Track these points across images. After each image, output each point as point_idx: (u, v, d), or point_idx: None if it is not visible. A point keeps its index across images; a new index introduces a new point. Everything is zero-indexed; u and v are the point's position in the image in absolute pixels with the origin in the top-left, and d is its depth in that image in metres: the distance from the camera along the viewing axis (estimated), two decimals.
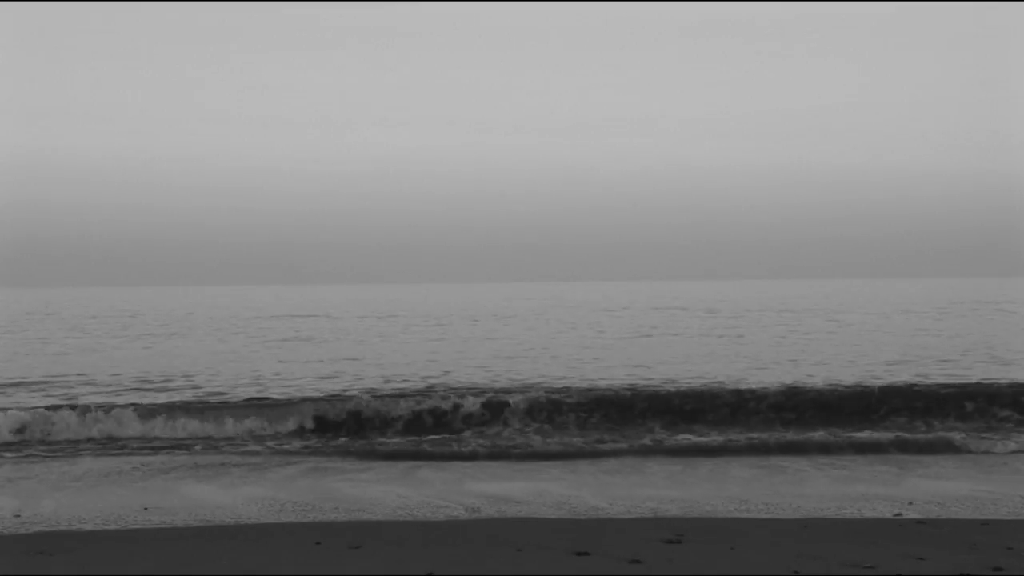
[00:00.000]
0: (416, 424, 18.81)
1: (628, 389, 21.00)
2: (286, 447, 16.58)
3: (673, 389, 21.02)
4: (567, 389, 20.96)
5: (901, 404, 19.79)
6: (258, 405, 19.62)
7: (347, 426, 18.67)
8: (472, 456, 15.71)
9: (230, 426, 18.42)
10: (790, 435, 17.03)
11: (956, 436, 16.69)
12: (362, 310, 70.64)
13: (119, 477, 13.93)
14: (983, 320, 47.12)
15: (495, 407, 19.39)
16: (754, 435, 17.10)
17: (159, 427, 18.31)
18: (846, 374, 23.46)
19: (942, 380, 22.00)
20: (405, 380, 23.32)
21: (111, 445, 16.93)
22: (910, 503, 11.71)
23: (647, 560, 8.27)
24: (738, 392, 20.37)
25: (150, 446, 16.85)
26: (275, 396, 20.69)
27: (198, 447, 16.66)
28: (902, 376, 22.89)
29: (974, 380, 21.79)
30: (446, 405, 19.51)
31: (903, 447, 16.00)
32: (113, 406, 19.08)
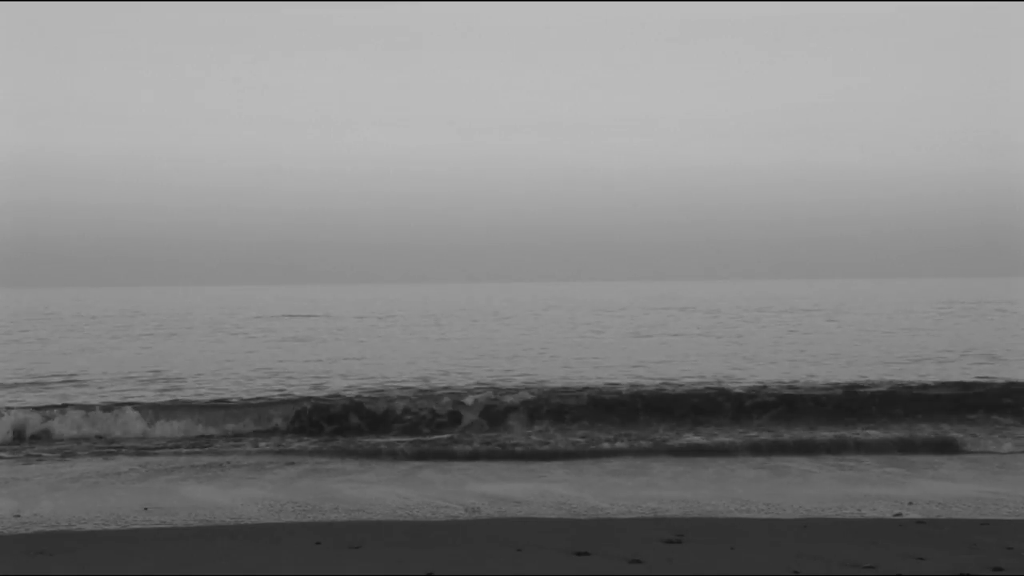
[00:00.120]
0: (417, 424, 18.80)
1: (630, 389, 21.00)
2: (286, 447, 16.56)
3: (674, 389, 21.03)
4: (568, 389, 20.97)
5: (903, 403, 19.82)
6: (256, 405, 19.62)
7: (347, 426, 18.66)
8: (473, 456, 15.70)
9: (228, 426, 18.43)
10: (794, 435, 16.98)
11: (959, 435, 16.63)
12: (361, 310, 70.65)
13: (118, 477, 13.92)
14: (983, 320, 47.12)
15: (495, 407, 19.39)
16: (755, 434, 17.07)
17: (158, 427, 18.31)
18: (847, 374, 23.44)
19: (942, 380, 22.00)
20: (404, 380, 23.31)
21: (109, 445, 16.91)
22: (910, 503, 11.71)
23: (647, 560, 8.27)
24: (740, 392, 20.39)
25: (150, 446, 16.84)
26: (274, 396, 20.68)
27: (197, 447, 16.65)
28: (902, 376, 22.88)
29: (972, 379, 21.81)
30: (446, 405, 19.51)
31: (906, 447, 15.97)
32: (112, 406, 19.10)
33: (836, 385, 21.22)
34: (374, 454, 15.84)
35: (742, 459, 15.14)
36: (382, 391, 21.30)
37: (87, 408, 18.85)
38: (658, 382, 22.19)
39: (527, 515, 11.18)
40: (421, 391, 21.03)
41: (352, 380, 23.68)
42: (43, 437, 17.67)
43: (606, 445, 16.29)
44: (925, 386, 20.92)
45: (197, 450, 16.32)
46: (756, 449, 15.89)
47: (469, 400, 19.71)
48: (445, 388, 21.54)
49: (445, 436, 17.54)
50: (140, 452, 16.16)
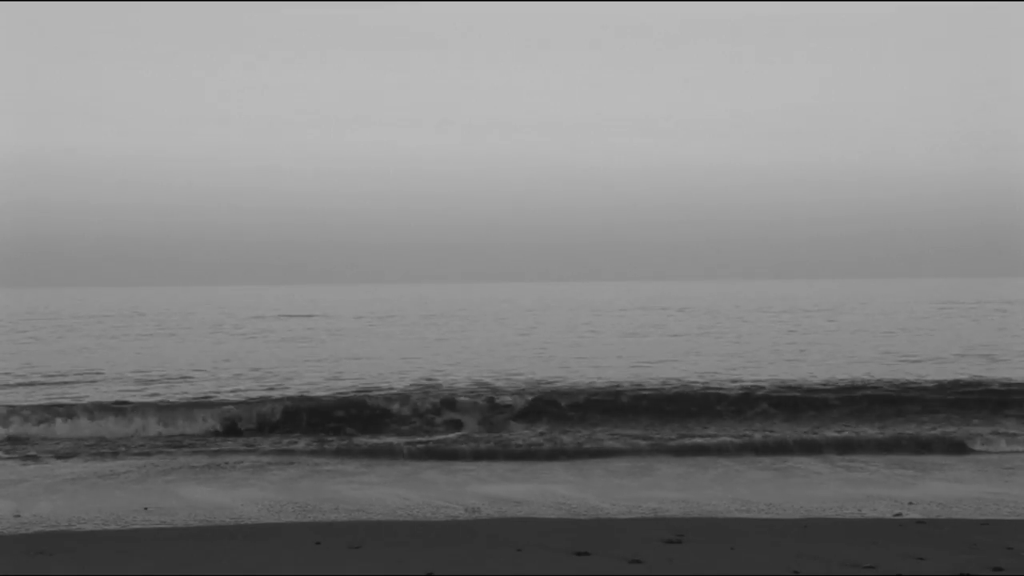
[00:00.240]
0: (417, 424, 18.79)
1: (632, 388, 21.01)
2: (285, 448, 16.54)
3: (676, 389, 21.04)
4: (569, 389, 20.98)
5: (907, 402, 19.85)
6: (248, 403, 19.59)
7: (346, 426, 18.64)
8: (475, 456, 15.68)
9: (211, 424, 18.42)
10: (798, 434, 16.91)
11: (965, 435, 16.57)
12: (361, 310, 70.65)
13: (118, 477, 13.92)
14: (984, 320, 47.12)
15: (496, 407, 19.39)
16: (759, 434, 17.05)
17: (151, 427, 18.31)
18: (849, 373, 23.43)
19: (946, 379, 22.02)
20: (404, 380, 23.29)
21: (106, 445, 16.87)
22: (910, 503, 11.71)
23: (647, 560, 8.27)
24: (744, 392, 20.42)
25: (152, 445, 16.82)
26: (272, 396, 20.67)
27: (196, 446, 16.64)
28: (905, 375, 22.88)
29: (975, 379, 21.82)
30: (447, 405, 19.51)
31: (912, 447, 15.93)
32: (110, 406, 19.10)
33: (840, 384, 21.25)
34: (375, 454, 15.83)
35: (748, 459, 15.10)
36: (380, 391, 21.29)
37: (85, 408, 18.84)
38: (659, 382, 22.18)
39: (527, 515, 11.18)
40: (422, 391, 21.02)
41: (352, 380, 23.66)
42: (39, 437, 17.65)
43: (608, 445, 16.27)
44: (929, 386, 20.94)
45: (194, 450, 16.31)
46: (760, 449, 15.85)
47: (469, 400, 19.71)
48: (445, 388, 21.53)
49: (445, 436, 17.52)
50: (139, 453, 16.15)
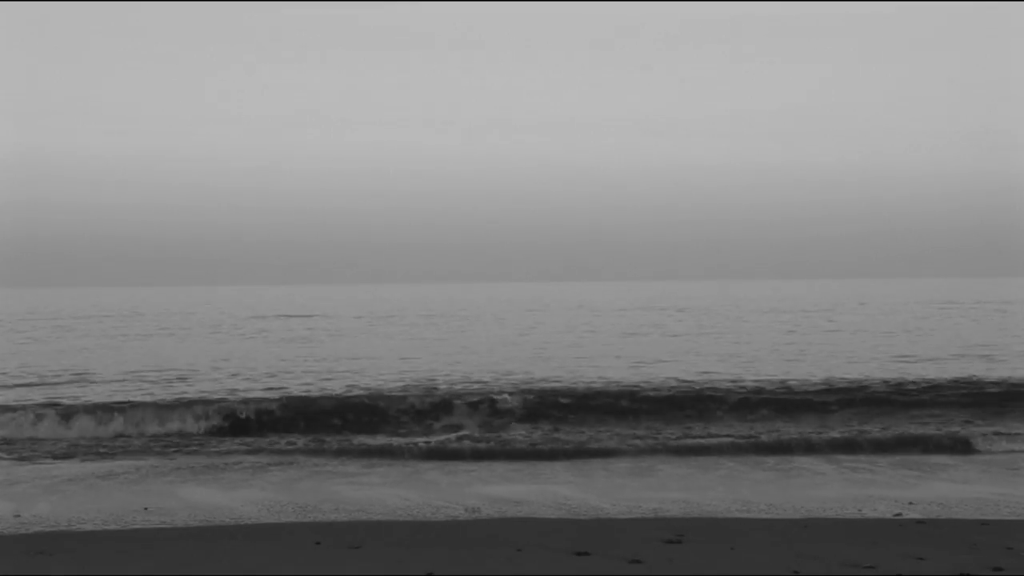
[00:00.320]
0: (418, 424, 18.79)
1: (635, 388, 21.03)
2: (285, 448, 16.53)
3: (680, 388, 21.06)
4: (570, 388, 21.01)
5: (909, 402, 19.89)
6: (246, 403, 19.59)
7: (346, 426, 18.64)
8: (476, 456, 15.66)
9: (204, 423, 18.43)
10: (803, 434, 16.87)
11: (969, 435, 16.53)
12: (361, 310, 70.65)
13: (117, 478, 13.91)
14: (985, 320, 47.12)
15: (497, 407, 19.40)
16: (763, 434, 17.05)
17: (150, 427, 18.32)
18: (848, 373, 23.44)
19: (950, 378, 22.07)
20: (404, 380, 23.31)
21: (105, 445, 16.87)
22: (910, 503, 11.71)
23: (647, 560, 8.27)
24: (749, 391, 20.48)
25: (151, 445, 16.81)
26: (272, 396, 20.67)
27: (195, 446, 16.63)
28: (907, 375, 22.89)
29: (977, 378, 21.85)
30: (447, 405, 19.53)
31: (916, 446, 15.89)
32: (109, 405, 19.10)
33: (841, 384, 21.29)
34: (375, 455, 15.82)
35: (749, 459, 15.06)
36: (380, 392, 21.31)
37: (85, 409, 18.85)
38: (659, 381, 22.18)
39: (527, 515, 11.18)
40: (422, 392, 21.03)
41: (352, 381, 23.67)
42: (37, 437, 17.66)
43: (609, 445, 16.26)
44: (931, 386, 20.98)
45: (195, 450, 16.31)
46: (761, 449, 15.81)
47: (469, 400, 19.72)
48: (445, 389, 21.54)
49: (446, 437, 17.52)
50: (139, 453, 16.15)
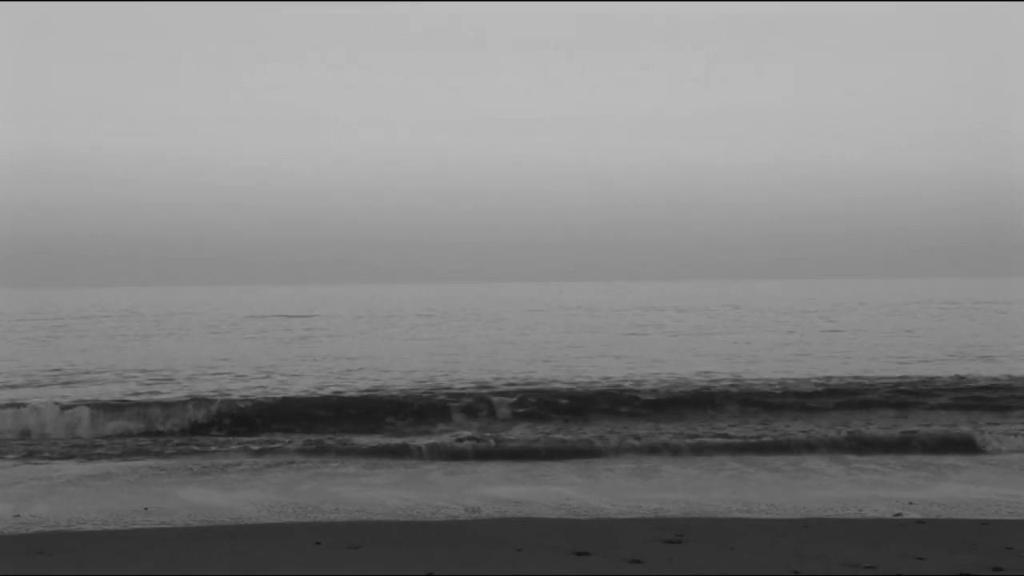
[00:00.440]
0: (418, 424, 18.78)
1: (637, 388, 21.04)
2: (285, 447, 16.50)
3: (684, 388, 21.09)
4: (572, 388, 21.02)
5: (912, 402, 19.93)
6: (245, 403, 19.59)
7: (346, 426, 18.62)
8: (477, 456, 15.64)
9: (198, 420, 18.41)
10: (802, 433, 16.79)
11: (972, 434, 16.48)
12: (361, 310, 70.65)
13: (117, 478, 13.91)
14: (985, 320, 47.13)
15: (499, 406, 19.39)
16: (769, 433, 17.02)
17: (149, 426, 18.31)
18: (850, 372, 23.44)
19: (948, 378, 22.09)
20: (405, 380, 23.30)
21: (105, 445, 16.85)
22: (910, 503, 11.71)
23: (647, 560, 8.27)
24: (754, 391, 20.54)
25: (150, 445, 16.79)
26: (272, 396, 20.67)
27: (194, 446, 16.62)
28: (906, 375, 22.90)
29: (981, 378, 21.88)
30: (447, 405, 19.52)
31: (919, 446, 15.86)
32: (109, 405, 19.09)
33: (843, 384, 21.32)
34: (375, 455, 15.79)
35: (750, 459, 15.03)
36: (379, 392, 21.31)
37: (89, 408, 18.85)
38: (660, 381, 22.18)
39: (527, 515, 11.18)
40: (423, 392, 21.02)
41: (351, 380, 23.67)
42: (35, 437, 17.65)
43: (610, 444, 16.22)
44: (935, 385, 21.03)
45: (194, 450, 16.29)
46: (763, 448, 15.76)
47: (470, 400, 19.72)
48: (445, 388, 21.54)
49: (446, 437, 17.50)
50: (140, 452, 16.13)
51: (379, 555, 8.61)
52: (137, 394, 21.34)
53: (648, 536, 9.39)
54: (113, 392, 21.82)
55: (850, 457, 15.16)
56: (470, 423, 18.73)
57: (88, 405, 19.21)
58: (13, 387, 23.06)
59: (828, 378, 22.49)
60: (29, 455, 15.87)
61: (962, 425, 17.58)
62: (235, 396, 20.69)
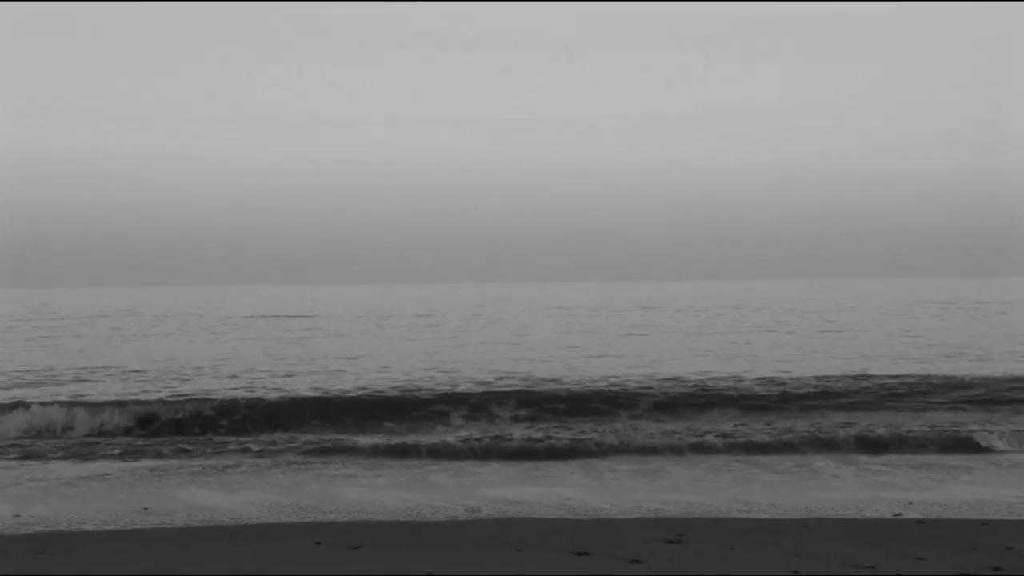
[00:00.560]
0: (419, 423, 18.79)
1: (638, 387, 21.04)
2: (284, 447, 16.50)
3: (688, 388, 21.09)
4: (573, 388, 21.04)
5: (914, 400, 19.97)
6: (245, 403, 19.58)
7: (346, 426, 18.63)
8: (478, 455, 15.64)
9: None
10: (805, 433, 16.74)
11: (977, 433, 16.48)
12: (361, 310, 70.66)
13: (117, 478, 13.91)
14: (986, 320, 47.13)
15: (499, 406, 19.40)
16: (761, 433, 17.03)
17: (148, 426, 18.31)
18: (851, 372, 23.45)
19: (951, 377, 22.14)
20: (405, 380, 23.30)
21: (105, 445, 16.84)
22: (910, 503, 11.71)
23: (647, 560, 8.27)
24: (745, 390, 20.59)
25: (151, 445, 16.79)
26: (272, 396, 20.68)
27: (194, 446, 16.62)
28: (908, 374, 22.92)
29: (982, 378, 21.92)
30: (449, 404, 19.53)
31: (923, 445, 15.82)
32: (108, 405, 19.10)
33: (845, 384, 21.34)
34: (376, 454, 15.79)
35: (752, 458, 14.99)
36: (379, 392, 21.32)
37: (94, 407, 18.85)
38: (661, 380, 22.18)
39: (527, 515, 11.18)
40: (423, 391, 21.03)
41: (351, 380, 23.68)
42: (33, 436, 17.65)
43: (611, 443, 16.22)
44: (940, 384, 21.11)
45: (195, 449, 16.29)
46: (765, 448, 15.72)
47: (470, 400, 19.73)
48: (445, 388, 21.54)
49: (446, 436, 17.50)
50: (140, 452, 16.14)
51: (379, 555, 8.62)
52: (137, 394, 21.35)
53: (648, 536, 9.39)
54: (112, 392, 21.83)
55: (851, 457, 15.15)
56: (470, 423, 18.73)
57: (87, 405, 19.22)
58: (13, 387, 23.06)
59: (827, 378, 22.51)
60: (28, 455, 15.87)
61: (963, 425, 17.58)
62: (235, 396, 20.70)
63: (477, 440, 16.67)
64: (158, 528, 10.58)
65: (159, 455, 15.81)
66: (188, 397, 20.47)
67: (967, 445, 15.82)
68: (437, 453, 15.80)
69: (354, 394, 20.93)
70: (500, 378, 23.49)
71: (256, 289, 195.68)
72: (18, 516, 11.33)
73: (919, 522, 10.39)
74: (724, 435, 16.79)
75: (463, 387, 21.69)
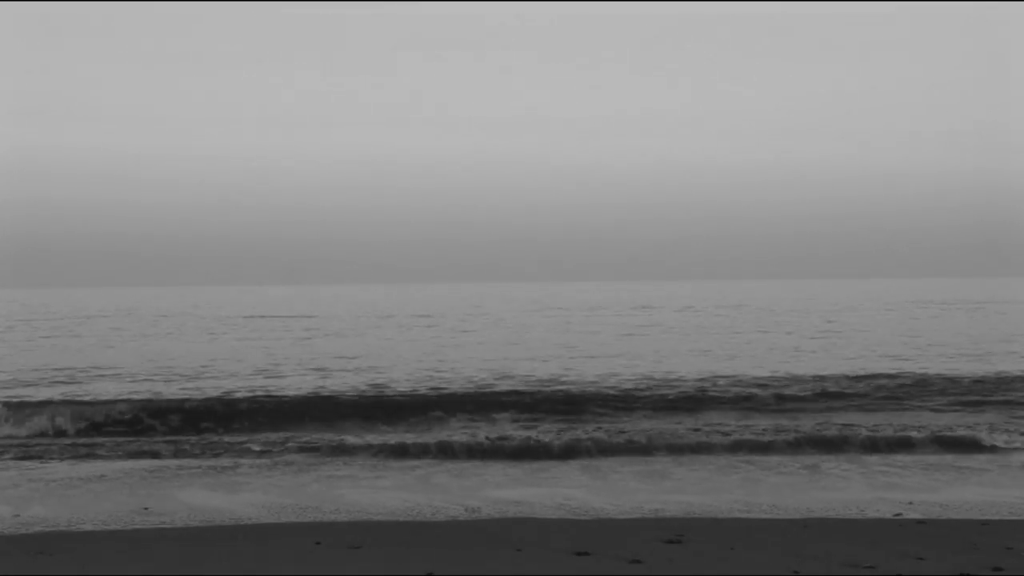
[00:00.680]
0: (419, 423, 18.78)
1: (640, 388, 21.06)
2: (284, 447, 16.51)
3: (692, 388, 21.12)
4: (572, 388, 21.04)
5: (914, 400, 19.99)
6: (245, 403, 19.58)
7: (345, 425, 18.62)
8: (479, 455, 15.63)
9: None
10: (806, 432, 16.75)
11: (981, 433, 16.44)
12: (360, 310, 70.65)
13: (117, 479, 13.90)
14: (987, 320, 47.14)
15: (501, 406, 19.41)
16: (778, 432, 17.04)
17: (149, 425, 18.31)
18: (851, 372, 23.45)
19: (954, 377, 22.16)
20: (406, 380, 23.31)
21: (105, 446, 16.83)
22: (910, 503, 11.70)
23: (647, 560, 8.27)
24: (746, 390, 20.64)
25: (151, 445, 16.79)
26: (272, 396, 20.67)
27: (194, 445, 16.62)
28: (910, 373, 22.91)
29: (986, 377, 21.94)
30: (449, 404, 19.53)
31: (927, 445, 15.81)
32: (107, 404, 19.10)
33: (847, 384, 21.39)
34: (376, 454, 15.79)
35: (753, 458, 14.98)
36: (379, 392, 21.32)
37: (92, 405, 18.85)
38: (662, 380, 22.19)
39: (527, 515, 11.17)
40: (423, 391, 21.04)
41: (351, 380, 23.68)
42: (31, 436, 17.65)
43: (612, 443, 16.21)
44: (942, 384, 21.18)
45: (195, 449, 16.29)
46: (765, 448, 15.71)
47: (471, 400, 19.74)
48: (445, 388, 21.55)
49: (446, 436, 17.49)
50: (140, 453, 16.14)
51: (379, 555, 8.62)
52: (136, 394, 21.35)
53: (648, 536, 9.39)
54: (112, 392, 21.82)
55: (851, 457, 15.14)
56: (470, 424, 18.72)
57: (87, 405, 19.22)
58: (13, 387, 23.06)
59: (827, 378, 22.51)
60: (28, 455, 15.86)
61: (963, 425, 17.58)
62: (235, 396, 20.70)
63: (477, 440, 16.67)
64: (158, 528, 10.58)
65: (159, 455, 15.81)
66: (188, 397, 20.47)
67: (967, 445, 15.80)
68: (437, 453, 15.80)
69: (354, 395, 20.93)
70: (500, 378, 23.48)
71: (256, 289, 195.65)
72: (18, 516, 11.33)
73: (919, 522, 10.39)
74: (724, 435, 16.79)
75: (463, 387, 21.69)
